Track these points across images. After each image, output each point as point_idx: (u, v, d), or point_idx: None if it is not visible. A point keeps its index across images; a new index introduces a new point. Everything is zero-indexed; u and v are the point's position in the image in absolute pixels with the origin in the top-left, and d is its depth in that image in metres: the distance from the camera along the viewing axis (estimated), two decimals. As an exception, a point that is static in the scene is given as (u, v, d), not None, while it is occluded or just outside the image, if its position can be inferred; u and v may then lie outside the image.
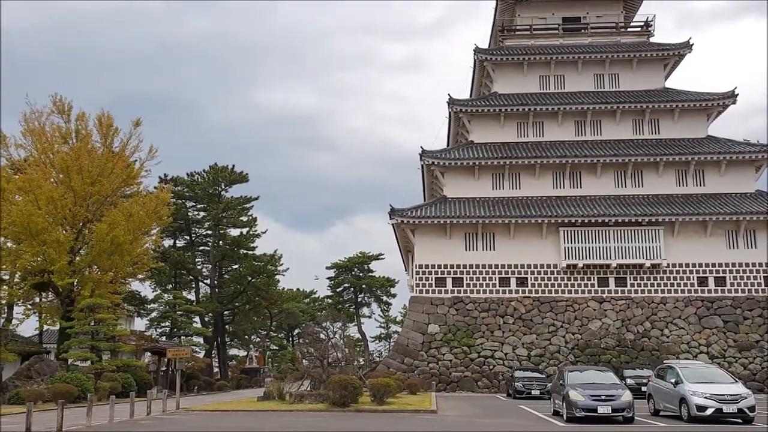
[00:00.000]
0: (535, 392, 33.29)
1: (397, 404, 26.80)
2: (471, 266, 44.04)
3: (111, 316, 39.40)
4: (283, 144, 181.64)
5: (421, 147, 46.06)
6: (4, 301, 43.54)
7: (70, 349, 38.35)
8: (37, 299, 44.68)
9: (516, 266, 43.96)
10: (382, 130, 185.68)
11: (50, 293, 43.27)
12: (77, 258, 41.53)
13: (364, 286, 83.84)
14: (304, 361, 35.82)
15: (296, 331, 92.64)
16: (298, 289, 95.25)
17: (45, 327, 47.01)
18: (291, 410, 25.84)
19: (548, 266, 43.91)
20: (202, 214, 68.22)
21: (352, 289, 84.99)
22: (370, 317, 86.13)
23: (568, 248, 43.43)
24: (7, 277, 43.91)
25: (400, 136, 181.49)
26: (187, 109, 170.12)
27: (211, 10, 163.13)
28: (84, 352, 38.93)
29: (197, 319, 62.80)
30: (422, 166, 47.36)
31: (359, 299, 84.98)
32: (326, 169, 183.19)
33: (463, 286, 43.80)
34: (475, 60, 51.14)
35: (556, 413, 22.92)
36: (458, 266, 44.05)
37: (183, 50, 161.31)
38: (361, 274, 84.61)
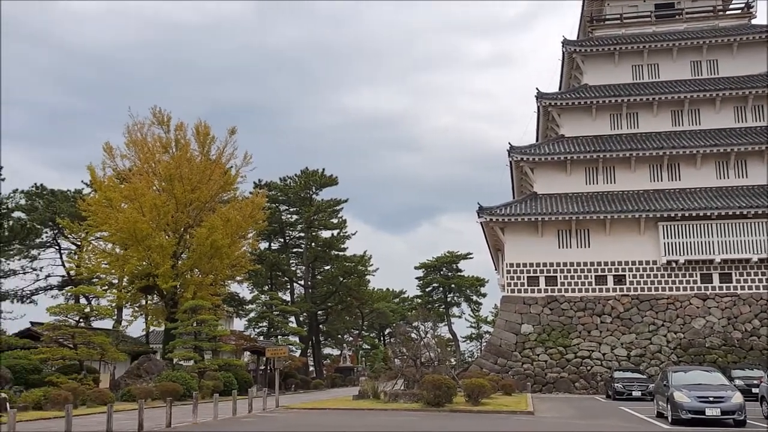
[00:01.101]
0: (636, 393, 32.15)
1: (492, 405, 26.55)
2: (565, 264, 43.00)
3: (212, 317, 40.96)
4: (370, 146, 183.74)
5: (509, 143, 45.46)
6: (114, 304, 46.28)
7: (175, 349, 40.13)
8: (144, 302, 47.20)
9: (613, 263, 42.57)
10: (468, 128, 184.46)
11: (155, 296, 45.55)
12: (179, 262, 43.52)
13: (453, 285, 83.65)
14: (396, 360, 36.02)
15: (387, 330, 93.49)
16: (387, 289, 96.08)
17: (151, 328, 49.59)
18: (386, 409, 26.10)
19: (647, 263, 42.27)
20: (294, 217, 69.90)
21: (441, 288, 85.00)
22: (460, 317, 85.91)
23: (668, 243, 41.65)
24: (116, 281, 46.71)
25: (487, 134, 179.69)
26: (277, 115, 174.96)
27: (299, 16, 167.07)
28: (188, 351, 40.67)
29: (292, 319, 64.44)
30: (511, 162, 46.69)
31: (449, 299, 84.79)
32: (413, 169, 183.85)
33: (557, 285, 42.85)
34: (563, 52, 49.93)
35: (659, 415, 22.05)
36: (551, 264, 43.11)
37: (272, 58, 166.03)
38: (450, 274, 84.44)
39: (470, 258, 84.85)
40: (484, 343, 58.19)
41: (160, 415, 22.11)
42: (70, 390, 27.88)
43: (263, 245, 65.71)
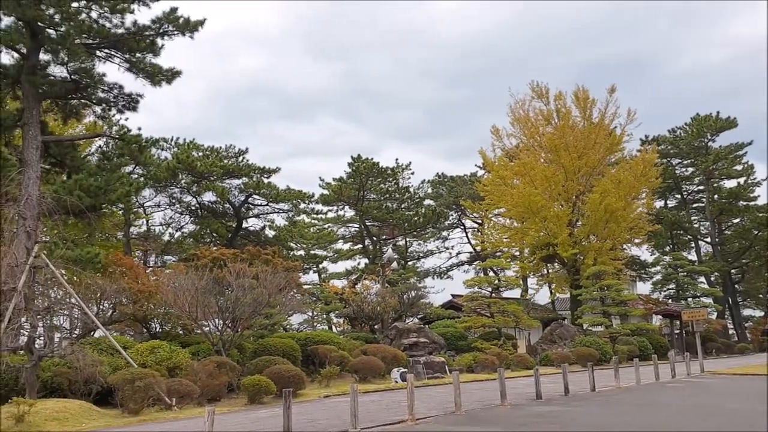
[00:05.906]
0: None
1: None
2: None
3: (616, 282, 40.44)
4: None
5: None
6: (519, 274, 49.07)
7: (584, 315, 40.67)
8: (546, 271, 49.00)
9: None
10: None
11: (557, 264, 46.87)
12: (575, 229, 43.98)
13: None
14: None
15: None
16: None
17: (556, 295, 51.20)
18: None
19: None
20: (690, 169, 64.78)
21: None
22: None
23: None
24: (518, 253, 49.51)
25: None
26: (658, 63, 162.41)
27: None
28: (596, 317, 40.82)
29: (702, 279, 59.76)
30: None
31: None
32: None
33: None
34: None
35: None
36: None
37: (641, 4, 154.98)
38: None
39: None
40: None
41: (579, 379, 22.67)
42: (495, 355, 30.51)
43: (659, 204, 62.25)
